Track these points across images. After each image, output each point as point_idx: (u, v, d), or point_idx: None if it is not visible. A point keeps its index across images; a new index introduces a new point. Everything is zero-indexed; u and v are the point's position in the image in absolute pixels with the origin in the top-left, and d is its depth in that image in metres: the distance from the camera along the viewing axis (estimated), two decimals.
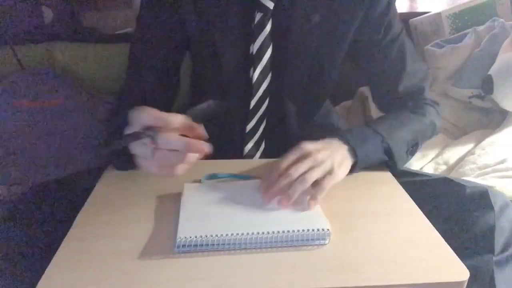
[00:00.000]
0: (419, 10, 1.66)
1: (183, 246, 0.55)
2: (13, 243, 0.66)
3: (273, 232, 0.57)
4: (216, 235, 0.56)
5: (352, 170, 0.73)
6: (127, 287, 0.51)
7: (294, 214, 0.63)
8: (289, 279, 0.53)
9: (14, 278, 0.63)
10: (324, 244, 0.58)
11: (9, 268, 0.64)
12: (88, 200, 0.68)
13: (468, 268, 0.54)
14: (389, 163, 0.78)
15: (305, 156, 0.68)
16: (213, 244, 0.56)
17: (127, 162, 0.65)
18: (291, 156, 0.69)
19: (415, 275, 0.54)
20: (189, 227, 0.58)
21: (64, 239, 0.59)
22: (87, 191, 0.70)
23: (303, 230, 0.58)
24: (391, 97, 0.88)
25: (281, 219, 0.61)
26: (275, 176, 0.67)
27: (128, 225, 0.62)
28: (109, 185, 0.73)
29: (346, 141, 0.73)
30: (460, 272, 0.54)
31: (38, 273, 0.52)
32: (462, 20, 1.47)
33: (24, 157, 1.05)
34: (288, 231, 0.58)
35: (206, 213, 0.63)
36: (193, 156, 0.59)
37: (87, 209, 0.66)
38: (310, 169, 0.66)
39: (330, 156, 0.69)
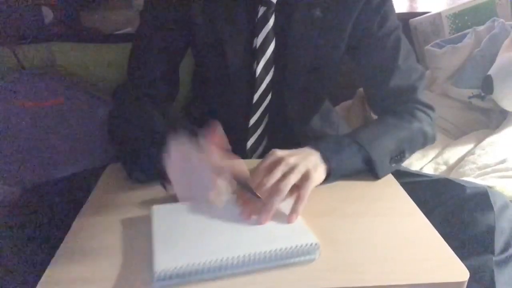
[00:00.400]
0: (419, 10, 1.66)
1: (163, 279, 0.51)
2: (13, 243, 0.66)
3: (260, 253, 0.53)
4: (199, 263, 0.51)
5: (328, 178, 0.71)
6: (126, 286, 0.51)
7: (279, 230, 0.59)
8: (289, 279, 0.53)
9: (14, 278, 0.63)
10: (315, 259, 0.55)
11: (9, 268, 0.64)
12: (88, 200, 0.68)
13: (468, 268, 0.54)
14: (370, 171, 0.76)
15: (277, 162, 0.66)
16: (196, 274, 0.51)
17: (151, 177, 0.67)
18: (262, 166, 0.67)
19: (415, 275, 0.54)
20: (166, 257, 0.53)
21: (64, 239, 0.59)
22: (87, 191, 0.70)
23: (291, 247, 0.54)
24: (382, 94, 0.87)
25: (265, 238, 0.57)
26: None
27: (127, 225, 0.62)
28: (108, 185, 0.73)
29: (318, 149, 0.71)
30: (460, 272, 0.54)
31: (38, 272, 0.53)
32: (462, 20, 1.47)
33: (24, 157, 1.05)
34: (276, 250, 0.54)
35: (182, 239, 0.57)
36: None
37: (86, 209, 0.66)
38: (284, 175, 0.64)
39: (303, 160, 0.67)
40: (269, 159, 0.67)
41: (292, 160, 0.66)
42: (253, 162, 0.84)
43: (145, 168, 0.69)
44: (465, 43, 1.36)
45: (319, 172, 0.69)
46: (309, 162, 0.67)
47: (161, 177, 0.63)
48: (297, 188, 0.65)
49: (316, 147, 0.72)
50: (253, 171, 0.67)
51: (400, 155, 0.78)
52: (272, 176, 0.64)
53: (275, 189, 0.62)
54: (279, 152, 0.68)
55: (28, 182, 1.03)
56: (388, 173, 0.77)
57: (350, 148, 0.74)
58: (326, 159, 0.70)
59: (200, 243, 0.56)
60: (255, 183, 0.64)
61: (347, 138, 0.76)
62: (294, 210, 0.62)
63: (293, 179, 0.64)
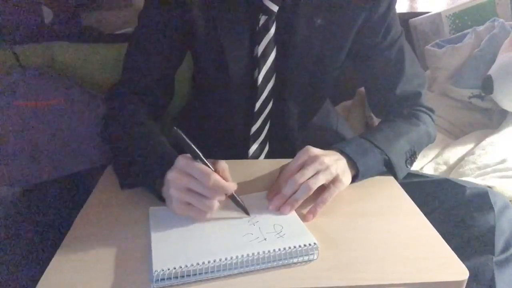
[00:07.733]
0: (419, 10, 1.66)
1: (162, 280, 0.50)
2: (13, 243, 0.66)
3: (258, 253, 0.54)
4: (197, 264, 0.52)
5: (352, 182, 0.72)
6: (125, 286, 0.51)
7: (277, 231, 0.59)
8: (289, 278, 0.53)
9: (14, 277, 0.63)
10: (314, 260, 0.55)
11: (9, 268, 0.64)
12: (88, 200, 0.68)
13: (468, 268, 0.54)
14: (389, 174, 0.77)
15: (312, 159, 0.67)
16: (194, 274, 0.51)
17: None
18: (297, 163, 0.68)
19: (414, 274, 0.54)
20: (164, 258, 0.53)
21: (64, 239, 0.59)
22: (87, 191, 0.70)
23: (289, 248, 0.55)
24: (387, 100, 0.88)
25: (264, 239, 0.57)
26: (282, 182, 0.66)
27: (128, 225, 0.62)
28: (109, 185, 0.73)
29: (346, 154, 0.72)
30: (460, 271, 0.54)
31: (38, 272, 0.53)
32: (462, 20, 1.47)
33: (24, 157, 1.05)
34: (274, 251, 0.54)
35: (180, 240, 0.57)
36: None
37: (86, 209, 0.66)
38: (316, 174, 0.65)
39: (335, 163, 0.68)
40: (304, 156, 0.68)
41: (326, 160, 0.67)
42: (258, 162, 0.84)
43: (145, 184, 0.70)
44: (465, 43, 1.36)
45: (347, 177, 0.70)
46: (339, 165, 0.69)
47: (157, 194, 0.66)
48: (322, 189, 0.66)
49: (341, 150, 0.73)
50: (285, 166, 0.69)
51: (413, 157, 0.80)
52: (305, 172, 0.65)
53: (303, 186, 0.64)
54: (314, 150, 0.69)
55: (28, 182, 1.03)
56: (405, 174, 0.79)
57: (373, 152, 0.75)
58: (353, 163, 0.72)
59: (198, 244, 0.56)
60: (286, 177, 0.66)
61: (367, 142, 0.76)
62: (313, 211, 0.64)
63: (324, 179, 0.65)
